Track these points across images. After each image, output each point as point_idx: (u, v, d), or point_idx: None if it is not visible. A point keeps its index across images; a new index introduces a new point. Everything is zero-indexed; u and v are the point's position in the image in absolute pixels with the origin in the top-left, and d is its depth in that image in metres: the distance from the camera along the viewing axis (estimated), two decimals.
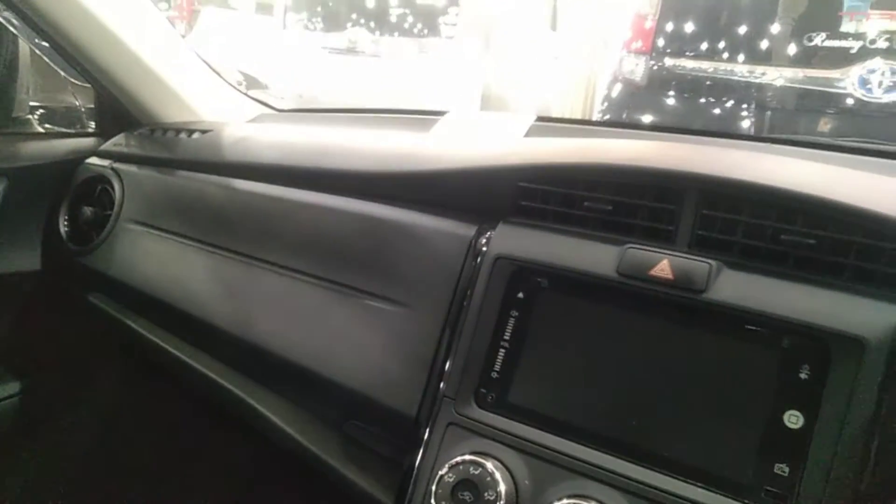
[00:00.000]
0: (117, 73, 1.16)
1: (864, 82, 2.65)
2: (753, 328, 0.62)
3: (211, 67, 1.34)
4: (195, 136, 1.16)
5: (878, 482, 0.54)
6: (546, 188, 0.77)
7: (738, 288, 0.63)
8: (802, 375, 0.59)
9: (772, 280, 0.63)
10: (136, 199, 1.16)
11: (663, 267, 0.66)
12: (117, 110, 1.25)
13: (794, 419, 0.59)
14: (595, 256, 0.70)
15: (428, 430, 0.73)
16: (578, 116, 4.34)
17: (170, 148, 1.17)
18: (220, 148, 1.12)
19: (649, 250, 0.67)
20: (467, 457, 0.67)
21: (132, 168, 1.20)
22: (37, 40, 1.28)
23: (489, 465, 0.65)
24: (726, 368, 0.62)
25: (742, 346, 0.62)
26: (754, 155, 0.78)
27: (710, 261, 0.65)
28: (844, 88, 2.70)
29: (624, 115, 3.29)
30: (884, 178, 0.71)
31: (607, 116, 3.42)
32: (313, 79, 5.13)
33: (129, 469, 1.33)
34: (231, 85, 1.38)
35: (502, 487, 0.64)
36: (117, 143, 1.25)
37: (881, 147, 1.09)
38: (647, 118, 3.23)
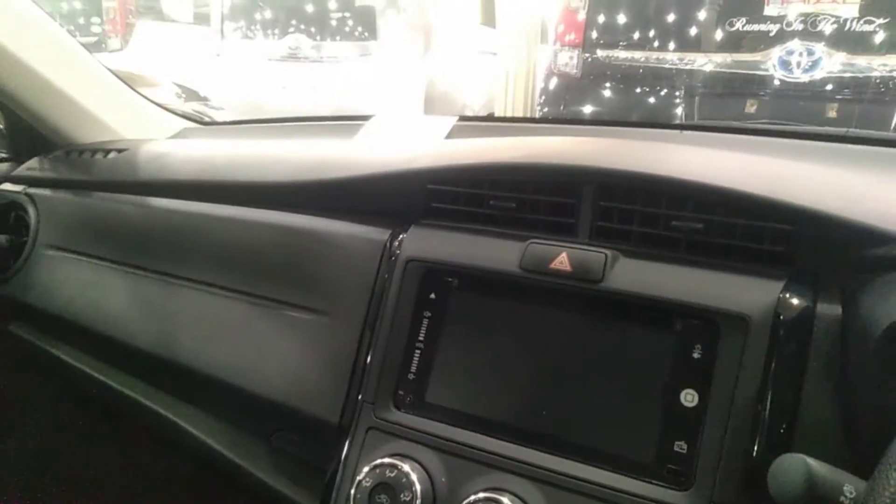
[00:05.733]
0: (23, 95, 1.12)
1: (784, 64, 2.74)
2: (648, 313, 0.64)
3: (127, 84, 1.31)
4: (111, 155, 1.14)
5: (767, 451, 0.57)
6: (454, 189, 0.78)
7: (632, 275, 0.65)
8: (695, 355, 0.62)
9: (665, 266, 0.65)
10: (53, 224, 1.14)
11: (562, 259, 0.67)
12: (30, 133, 1.22)
13: (689, 398, 0.61)
14: (499, 253, 0.71)
15: (349, 435, 0.74)
16: (520, 110, 4.38)
17: (85, 169, 1.15)
18: (137, 167, 1.10)
19: (550, 244, 0.69)
20: (386, 460, 0.68)
21: (47, 192, 1.17)
22: None
23: (405, 466, 0.66)
24: (626, 354, 0.64)
25: (639, 331, 0.64)
26: (648, 145, 0.81)
27: (606, 251, 0.67)
28: (767, 70, 2.80)
29: (562, 108, 3.34)
30: (767, 160, 0.74)
31: (546, 109, 3.47)
32: (254, 87, 5.06)
33: (59, 496, 1.30)
34: (150, 100, 1.36)
35: (418, 487, 0.65)
36: (31, 167, 1.22)
37: (788, 128, 1.14)
38: (584, 110, 3.28)
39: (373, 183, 0.85)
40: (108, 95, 1.26)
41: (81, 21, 6.06)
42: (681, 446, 0.60)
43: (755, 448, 0.57)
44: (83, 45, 1.24)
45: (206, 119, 2.69)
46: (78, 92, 1.18)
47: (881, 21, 2.65)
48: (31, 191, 1.18)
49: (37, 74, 1.11)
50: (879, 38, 2.67)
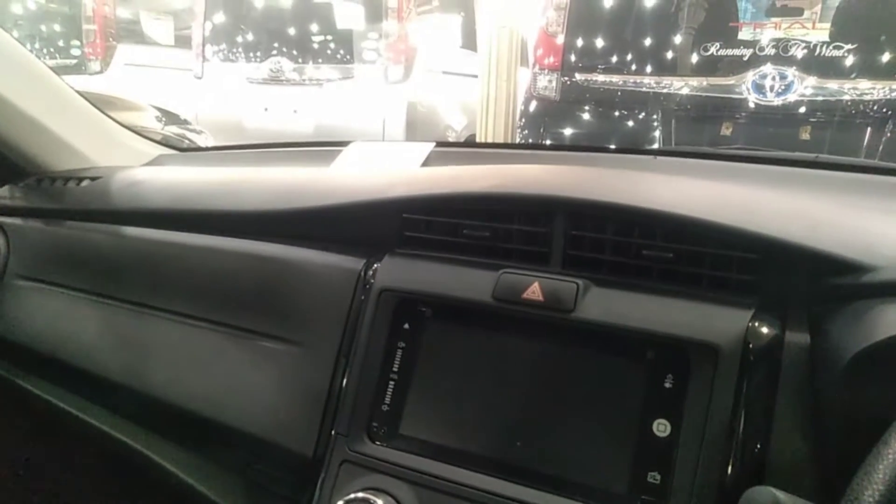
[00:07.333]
0: None
1: (758, 87, 2.80)
2: (620, 343, 0.64)
3: (101, 109, 1.30)
4: (84, 183, 1.13)
5: (739, 480, 0.57)
6: (428, 218, 0.78)
7: (604, 305, 0.65)
8: (667, 385, 0.62)
9: (636, 295, 0.66)
10: (24, 253, 1.12)
11: (534, 289, 0.67)
12: (1, 161, 1.20)
13: (662, 427, 0.61)
14: (473, 283, 0.71)
15: (323, 469, 0.73)
16: (500, 133, 4.42)
17: (58, 198, 1.13)
18: (110, 195, 1.09)
19: (522, 274, 0.69)
20: (360, 494, 0.67)
21: (18, 221, 1.15)
22: None
23: (379, 501, 0.65)
24: (599, 384, 0.64)
25: (611, 361, 0.64)
26: (620, 174, 0.82)
27: (577, 280, 0.67)
28: (741, 94, 2.86)
29: (542, 131, 3.37)
30: (735, 188, 0.75)
31: (525, 132, 3.50)
32: (235, 110, 5.05)
33: None
34: (124, 126, 1.34)
35: None
36: (1, 195, 1.20)
37: (759, 154, 1.15)
38: (564, 133, 3.32)
39: (347, 212, 0.85)
40: (80, 122, 1.25)
41: (61, 44, 6.03)
42: (654, 477, 0.60)
43: (728, 477, 0.57)
44: (63, 68, 1.23)
45: (186, 143, 2.68)
46: (50, 118, 1.17)
47: (850, 46, 2.72)
48: (2, 220, 1.16)
49: (6, 101, 1.10)
50: (849, 62, 2.75)
